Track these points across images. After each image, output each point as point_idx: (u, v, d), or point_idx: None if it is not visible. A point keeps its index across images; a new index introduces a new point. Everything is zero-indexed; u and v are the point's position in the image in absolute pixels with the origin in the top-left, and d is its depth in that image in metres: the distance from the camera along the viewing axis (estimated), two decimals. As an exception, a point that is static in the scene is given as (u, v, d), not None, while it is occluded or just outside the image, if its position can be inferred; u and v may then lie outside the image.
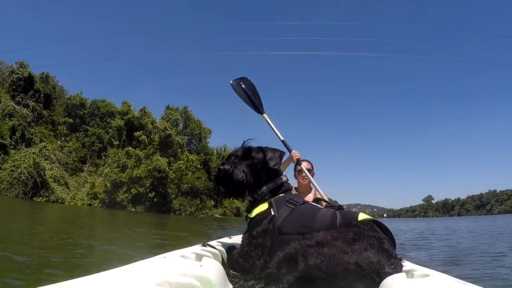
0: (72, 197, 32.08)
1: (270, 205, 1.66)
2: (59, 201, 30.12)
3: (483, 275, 5.00)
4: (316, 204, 1.78)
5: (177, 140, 41.56)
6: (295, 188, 3.40)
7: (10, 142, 31.07)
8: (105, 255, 5.47)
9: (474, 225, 26.21)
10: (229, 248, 1.80)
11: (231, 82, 3.23)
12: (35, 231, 7.68)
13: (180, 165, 39.20)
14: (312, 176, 3.37)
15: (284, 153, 1.88)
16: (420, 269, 1.50)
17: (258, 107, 3.24)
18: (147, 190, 35.87)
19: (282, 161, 1.91)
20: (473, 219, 53.00)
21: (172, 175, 38.03)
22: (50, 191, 29.75)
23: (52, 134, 37.87)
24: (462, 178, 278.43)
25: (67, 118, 40.82)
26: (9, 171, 28.12)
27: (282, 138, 3.28)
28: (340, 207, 1.68)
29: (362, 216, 1.52)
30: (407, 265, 1.53)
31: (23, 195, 27.45)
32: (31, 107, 35.09)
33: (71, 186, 33.75)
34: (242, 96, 3.23)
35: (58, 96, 41.57)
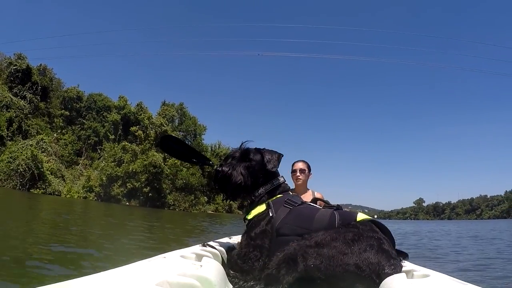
0: (68, 189, 32.55)
1: (268, 206, 1.66)
2: (56, 193, 30.57)
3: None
4: (314, 205, 1.78)
5: (173, 136, 41.99)
6: (291, 189, 3.48)
7: (7, 134, 31.38)
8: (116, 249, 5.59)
9: (457, 228, 27.13)
10: (229, 248, 1.81)
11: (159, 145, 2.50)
12: (41, 226, 7.85)
13: (175, 161, 39.69)
14: (309, 176, 3.42)
15: (282, 155, 1.87)
16: (420, 270, 1.50)
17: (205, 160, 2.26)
18: (143, 185, 36.44)
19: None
20: (462, 223, 53.78)
21: (167, 170, 38.65)
22: (47, 184, 30.20)
23: (49, 126, 38.08)
24: (453, 182, 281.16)
25: (63, 110, 40.91)
26: (7, 162, 28.48)
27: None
28: (338, 207, 1.66)
29: (360, 216, 1.52)
30: (407, 265, 1.52)
31: (20, 187, 27.88)
32: (28, 99, 35.24)
33: (67, 179, 34.16)
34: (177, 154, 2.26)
35: (55, 89, 41.57)
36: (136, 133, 39.57)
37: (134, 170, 36.12)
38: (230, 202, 42.58)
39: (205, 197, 43.09)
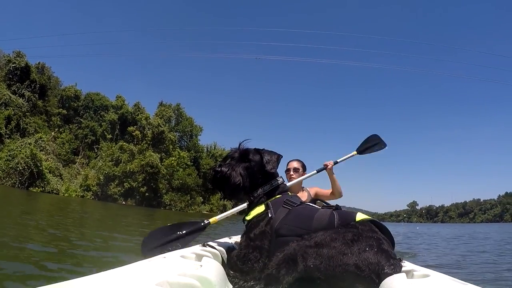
0: (67, 188, 32.87)
1: (267, 207, 1.66)
2: (54, 192, 30.85)
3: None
4: (313, 205, 1.79)
5: (170, 137, 42.63)
6: None
7: (5, 132, 31.57)
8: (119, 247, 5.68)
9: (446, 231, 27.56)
10: (229, 249, 1.81)
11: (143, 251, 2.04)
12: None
13: (172, 162, 40.30)
14: (303, 175, 3.46)
15: (282, 156, 1.85)
16: (420, 270, 1.50)
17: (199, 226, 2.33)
18: (139, 185, 36.89)
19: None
20: (455, 226, 54.11)
21: (164, 171, 39.10)
22: (45, 182, 30.49)
23: (46, 125, 38.19)
24: (447, 185, 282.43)
25: (61, 109, 40.98)
26: (5, 160, 28.72)
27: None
28: (337, 207, 1.65)
29: (360, 216, 1.51)
30: (406, 265, 1.53)
31: (19, 185, 28.13)
32: (27, 97, 35.31)
33: (64, 178, 34.46)
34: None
35: (53, 87, 41.54)
36: (134, 133, 39.98)
37: (131, 169, 36.56)
38: (225, 203, 43.26)
39: (201, 198, 43.61)
